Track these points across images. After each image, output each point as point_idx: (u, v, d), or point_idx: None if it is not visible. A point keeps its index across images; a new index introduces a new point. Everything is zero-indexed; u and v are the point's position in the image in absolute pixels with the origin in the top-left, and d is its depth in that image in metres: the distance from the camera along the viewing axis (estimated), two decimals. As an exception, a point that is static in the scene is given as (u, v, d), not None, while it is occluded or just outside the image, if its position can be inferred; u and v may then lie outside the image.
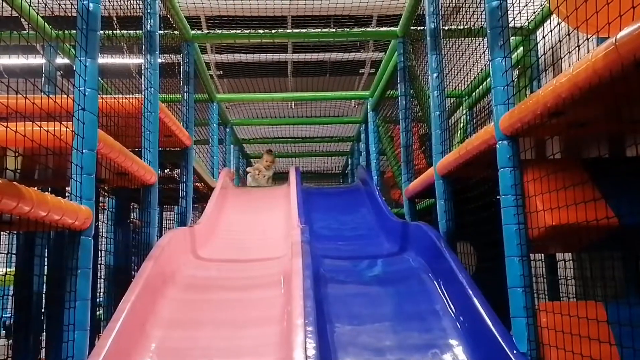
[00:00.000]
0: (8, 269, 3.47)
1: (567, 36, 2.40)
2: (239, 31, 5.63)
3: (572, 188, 2.29)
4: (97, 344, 2.40)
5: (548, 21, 4.18)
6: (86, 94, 2.42)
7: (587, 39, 2.28)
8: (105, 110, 3.22)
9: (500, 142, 2.51)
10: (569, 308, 2.35)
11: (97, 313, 3.94)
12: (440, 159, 3.60)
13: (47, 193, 2.10)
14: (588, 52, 1.85)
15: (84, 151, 2.38)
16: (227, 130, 8.21)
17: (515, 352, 2.36)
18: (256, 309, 3.14)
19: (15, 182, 1.75)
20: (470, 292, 2.83)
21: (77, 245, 2.32)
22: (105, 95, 3.32)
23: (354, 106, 9.69)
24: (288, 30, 5.80)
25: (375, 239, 4.86)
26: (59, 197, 2.16)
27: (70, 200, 2.33)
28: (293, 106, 9.72)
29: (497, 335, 2.46)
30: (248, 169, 8.09)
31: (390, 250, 4.38)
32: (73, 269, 2.30)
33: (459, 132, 5.36)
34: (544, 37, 3.90)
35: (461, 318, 2.87)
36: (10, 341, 3.42)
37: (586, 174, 2.49)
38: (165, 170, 4.90)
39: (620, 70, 1.67)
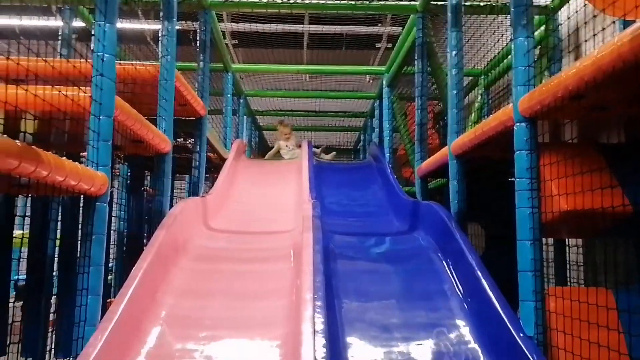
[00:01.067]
0: (23, 231, 3.51)
1: (593, 18, 2.34)
2: (256, 0, 5.56)
3: (589, 174, 2.26)
4: (109, 309, 2.44)
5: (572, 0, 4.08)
6: (104, 59, 2.42)
7: (613, 22, 2.23)
8: (122, 77, 3.22)
9: (518, 124, 2.48)
10: (578, 294, 2.35)
11: (108, 278, 3.99)
12: (455, 139, 3.57)
13: (63, 158, 2.11)
14: (612, 35, 1.82)
15: (101, 117, 2.39)
16: (241, 101, 8.19)
17: (522, 335, 2.37)
18: (266, 281, 3.16)
19: (33, 146, 1.76)
20: (479, 274, 2.83)
21: (93, 211, 2.35)
22: (123, 62, 3.32)
23: (369, 81, 9.60)
24: (306, 1, 5.71)
25: (386, 216, 4.86)
26: (76, 163, 2.17)
27: (87, 166, 2.34)
28: (307, 79, 9.64)
29: (505, 317, 2.46)
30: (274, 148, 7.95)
31: (400, 228, 4.38)
32: (88, 235, 2.33)
33: (474, 112, 5.29)
34: (568, 18, 3.81)
35: (469, 299, 2.89)
36: (22, 303, 3.47)
37: (603, 160, 2.45)
38: (178, 140, 4.91)
39: (647, 56, 1.63)
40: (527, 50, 2.47)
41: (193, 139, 4.71)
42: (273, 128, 10.79)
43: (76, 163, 2.16)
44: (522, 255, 2.43)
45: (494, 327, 2.54)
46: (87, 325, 2.28)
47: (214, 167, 6.04)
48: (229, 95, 6.90)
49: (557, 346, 2.35)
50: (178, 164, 4.74)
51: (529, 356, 2.25)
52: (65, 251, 3.35)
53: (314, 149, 7.26)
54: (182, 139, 4.84)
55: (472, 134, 3.17)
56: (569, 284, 3.48)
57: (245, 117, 8.58)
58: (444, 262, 3.39)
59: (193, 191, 4.56)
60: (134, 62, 3.49)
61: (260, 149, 9.99)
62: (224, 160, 5.75)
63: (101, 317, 2.39)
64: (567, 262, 3.62)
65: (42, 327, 3.39)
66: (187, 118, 4.54)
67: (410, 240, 3.96)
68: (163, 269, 3.10)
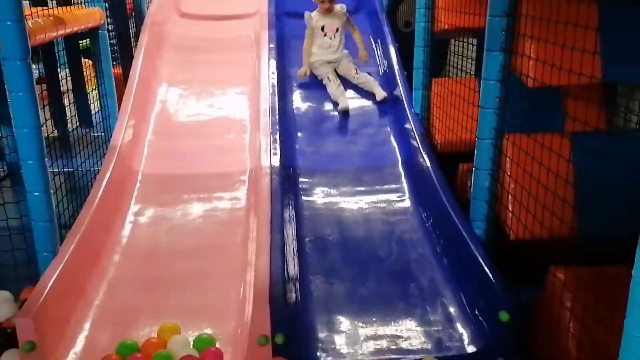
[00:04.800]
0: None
1: None
2: None
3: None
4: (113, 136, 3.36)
5: None
6: None
7: None
8: None
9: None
10: (454, 84, 3.31)
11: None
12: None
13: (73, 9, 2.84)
14: None
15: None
16: None
17: (412, 110, 3.45)
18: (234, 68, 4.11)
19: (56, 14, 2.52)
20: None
21: (98, 39, 3.15)
22: None
23: None
24: None
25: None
26: (80, 8, 2.91)
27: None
28: None
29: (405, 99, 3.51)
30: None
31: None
32: (97, 55, 3.18)
33: None
34: None
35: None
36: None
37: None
38: None
39: None
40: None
41: None
42: None
43: (80, 9, 2.91)
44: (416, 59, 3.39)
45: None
46: (111, 118, 3.29)
47: None
48: None
49: (434, 115, 3.42)
50: None
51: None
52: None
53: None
54: None
55: None
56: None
57: None
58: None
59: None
60: None
61: None
62: None
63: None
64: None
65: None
66: None
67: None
68: (151, 65, 3.99)
